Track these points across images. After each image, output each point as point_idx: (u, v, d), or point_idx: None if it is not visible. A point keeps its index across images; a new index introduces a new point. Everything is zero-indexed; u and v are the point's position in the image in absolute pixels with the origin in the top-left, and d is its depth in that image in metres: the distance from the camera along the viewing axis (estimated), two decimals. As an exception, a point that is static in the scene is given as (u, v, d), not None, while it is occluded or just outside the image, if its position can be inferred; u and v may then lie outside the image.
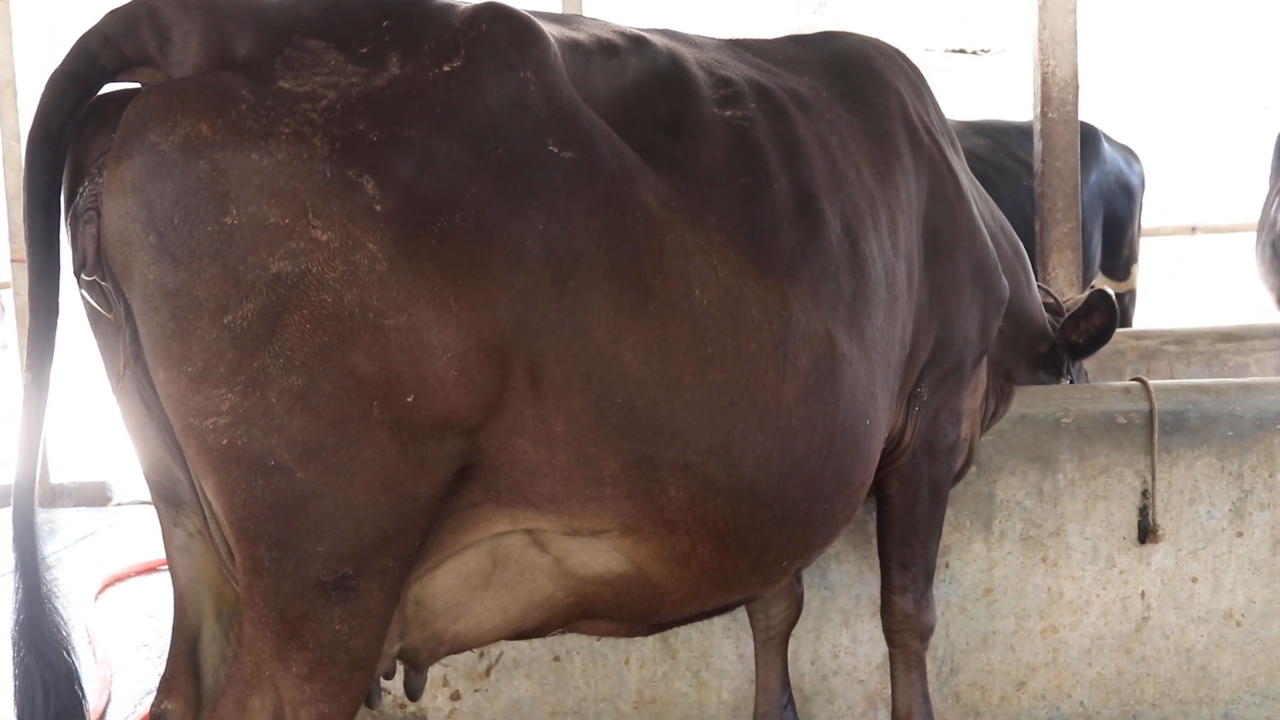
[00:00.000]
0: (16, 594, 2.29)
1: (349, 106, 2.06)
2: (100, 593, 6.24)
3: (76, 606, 5.81)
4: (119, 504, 8.37)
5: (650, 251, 2.31)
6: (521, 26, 2.26)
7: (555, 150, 2.23)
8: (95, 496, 8.51)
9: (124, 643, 5.29)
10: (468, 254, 2.10)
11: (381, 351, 2.05)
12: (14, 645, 2.30)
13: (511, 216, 2.15)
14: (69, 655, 2.33)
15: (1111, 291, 3.88)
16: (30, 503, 2.26)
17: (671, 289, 2.33)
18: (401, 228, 2.05)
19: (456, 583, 2.41)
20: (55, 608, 2.33)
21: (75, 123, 2.14)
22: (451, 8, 2.26)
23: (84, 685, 2.37)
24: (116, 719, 4.64)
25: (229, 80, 2.04)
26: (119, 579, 6.46)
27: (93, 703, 4.67)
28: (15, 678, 2.30)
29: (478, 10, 2.25)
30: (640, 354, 2.28)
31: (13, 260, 8.16)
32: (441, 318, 2.09)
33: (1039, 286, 4.09)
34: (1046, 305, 4.09)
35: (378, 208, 2.04)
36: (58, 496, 8.50)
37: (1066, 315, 3.97)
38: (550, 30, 2.39)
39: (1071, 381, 4.12)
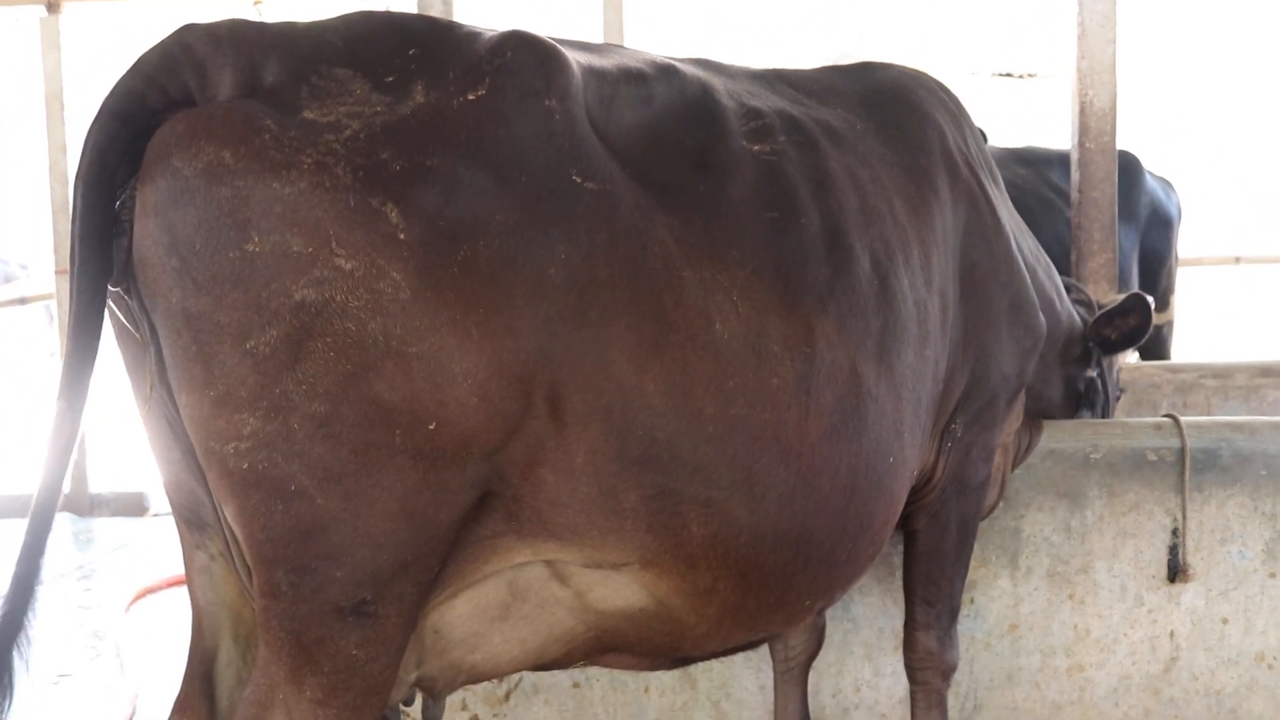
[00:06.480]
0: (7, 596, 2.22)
1: (373, 136, 2.06)
2: (132, 604, 6.27)
3: (108, 617, 5.86)
4: (156, 515, 8.43)
5: (671, 284, 2.30)
6: (546, 55, 2.26)
7: (579, 180, 2.22)
8: (133, 506, 8.58)
9: (153, 655, 5.31)
10: (491, 282, 2.10)
11: (404, 379, 2.05)
12: None
13: (535, 245, 2.15)
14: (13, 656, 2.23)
15: (1150, 298, 3.83)
16: (48, 521, 2.21)
17: (692, 322, 2.32)
18: (425, 256, 2.05)
19: (475, 613, 2.41)
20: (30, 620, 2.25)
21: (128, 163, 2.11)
22: (477, 35, 2.26)
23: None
24: (142, 731, 4.66)
25: (253, 108, 2.04)
26: (151, 590, 6.50)
27: (118, 714, 4.70)
28: None
29: (503, 38, 2.25)
30: (662, 386, 2.28)
31: (57, 272, 8.26)
32: (464, 345, 2.09)
33: (1071, 284, 4.02)
34: (1079, 301, 4.00)
35: (401, 236, 2.04)
36: (95, 505, 8.57)
37: (1101, 310, 3.90)
38: (576, 58, 2.38)
39: (1102, 374, 4.05)
